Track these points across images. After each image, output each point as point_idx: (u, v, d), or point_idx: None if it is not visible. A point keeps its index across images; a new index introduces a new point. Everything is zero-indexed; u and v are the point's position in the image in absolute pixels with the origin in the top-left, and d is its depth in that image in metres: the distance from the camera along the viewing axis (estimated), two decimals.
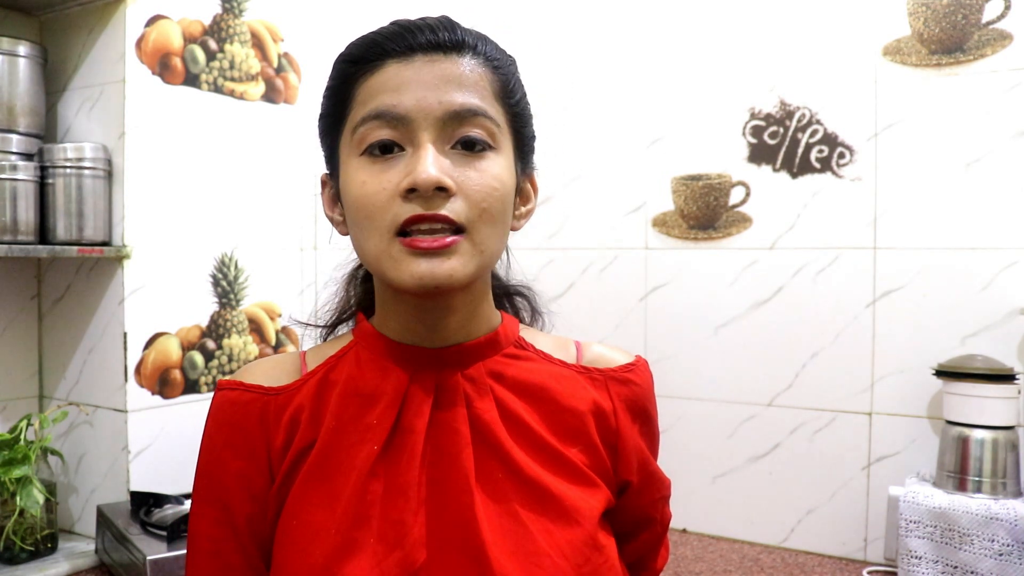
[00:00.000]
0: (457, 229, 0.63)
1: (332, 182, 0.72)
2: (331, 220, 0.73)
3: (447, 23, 0.66)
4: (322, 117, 0.72)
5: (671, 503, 0.83)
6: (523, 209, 0.73)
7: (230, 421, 0.70)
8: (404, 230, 0.63)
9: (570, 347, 0.77)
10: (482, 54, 0.67)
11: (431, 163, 0.62)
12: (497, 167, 0.66)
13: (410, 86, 0.64)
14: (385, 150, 0.64)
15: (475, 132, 0.65)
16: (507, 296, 0.83)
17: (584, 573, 0.66)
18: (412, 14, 0.69)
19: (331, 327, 0.81)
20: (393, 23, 0.67)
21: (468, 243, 0.64)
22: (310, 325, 0.82)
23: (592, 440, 0.72)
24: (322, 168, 0.75)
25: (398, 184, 0.63)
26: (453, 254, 0.63)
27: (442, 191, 0.62)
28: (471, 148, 0.65)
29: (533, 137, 0.74)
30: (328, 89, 0.70)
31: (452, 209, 0.63)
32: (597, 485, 0.71)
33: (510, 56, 0.71)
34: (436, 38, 0.65)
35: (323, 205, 0.74)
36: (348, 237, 0.71)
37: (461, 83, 0.65)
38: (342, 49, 0.69)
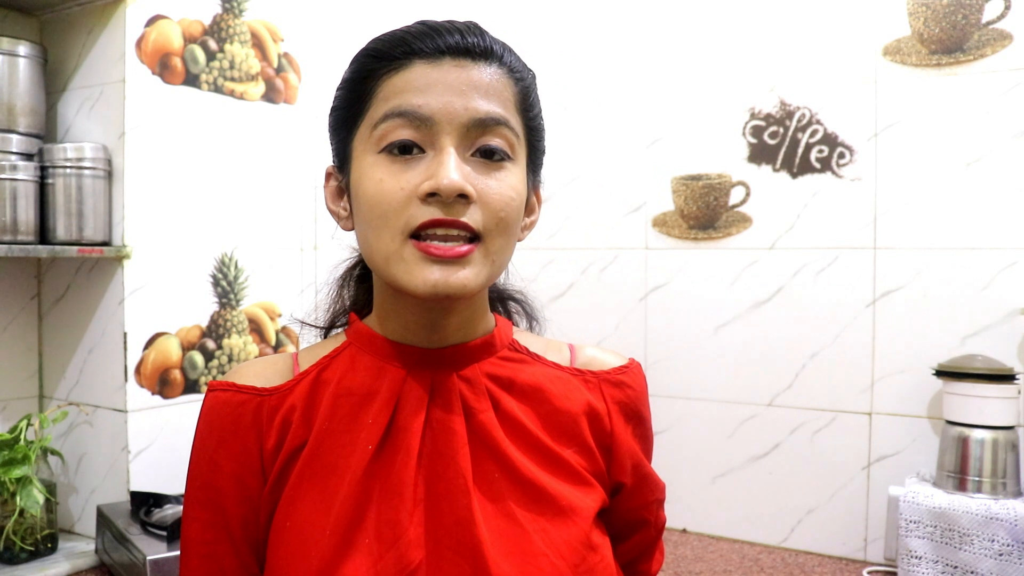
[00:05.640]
0: (472, 237, 0.63)
1: (339, 176, 0.71)
2: (334, 214, 0.72)
3: (476, 28, 0.66)
4: (335, 110, 0.71)
5: (668, 504, 0.83)
6: (527, 221, 0.73)
7: (222, 422, 0.70)
8: (418, 233, 0.62)
9: (563, 350, 0.77)
10: (507, 64, 0.67)
11: (454, 169, 0.62)
12: (513, 178, 0.66)
13: (437, 88, 0.63)
14: (404, 150, 0.64)
15: (496, 141, 0.65)
16: (501, 301, 0.83)
17: (580, 572, 0.66)
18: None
19: (327, 328, 0.81)
20: (420, 22, 0.66)
21: (482, 252, 0.64)
22: (307, 324, 0.81)
23: (586, 441, 0.72)
24: (323, 165, 0.74)
25: (417, 186, 0.62)
26: (467, 264, 0.62)
27: (462, 198, 0.62)
28: (490, 157, 0.65)
29: (544, 152, 0.74)
30: (345, 82, 0.69)
31: (472, 217, 0.62)
32: (592, 485, 0.71)
33: (531, 69, 0.71)
34: (465, 42, 0.64)
35: (326, 198, 0.73)
36: (351, 233, 0.71)
37: (487, 91, 0.65)
38: (365, 43, 0.68)
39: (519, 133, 0.67)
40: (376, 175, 0.64)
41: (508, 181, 0.65)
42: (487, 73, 0.65)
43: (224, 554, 0.69)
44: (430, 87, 0.63)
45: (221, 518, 0.69)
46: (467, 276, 0.62)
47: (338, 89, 0.70)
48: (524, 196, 0.68)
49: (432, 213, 0.62)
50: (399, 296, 0.68)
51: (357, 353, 0.72)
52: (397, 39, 0.65)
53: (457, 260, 0.62)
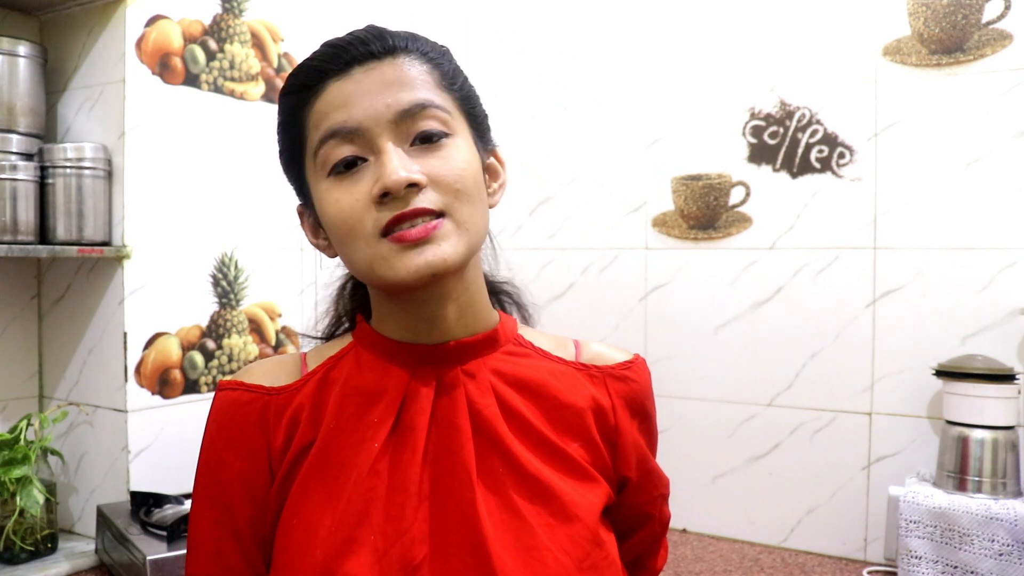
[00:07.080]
0: (438, 214, 0.64)
1: (308, 211, 0.74)
2: (317, 247, 0.75)
3: (375, 31, 0.68)
4: (281, 153, 0.74)
5: (670, 503, 0.83)
6: (495, 184, 0.75)
7: (231, 421, 0.71)
8: (388, 230, 0.64)
9: (569, 345, 0.78)
10: (415, 51, 0.68)
11: (397, 165, 0.63)
12: (458, 151, 0.67)
13: (355, 98, 0.65)
14: (349, 165, 0.66)
15: (429, 124, 0.66)
16: (493, 293, 0.83)
17: (585, 568, 0.66)
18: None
19: (326, 339, 0.82)
20: (324, 44, 0.68)
21: (452, 224, 0.65)
22: (308, 336, 0.83)
23: (591, 436, 0.72)
24: None
25: (370, 192, 0.64)
26: (442, 239, 0.64)
27: (414, 187, 0.64)
28: (429, 140, 0.66)
29: (485, 115, 0.75)
30: (280, 125, 0.72)
31: (428, 199, 0.64)
32: (597, 481, 0.71)
33: (443, 46, 0.73)
34: (368, 48, 0.66)
35: (306, 236, 0.76)
36: (337, 259, 0.72)
37: (402, 82, 0.66)
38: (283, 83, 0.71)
39: (449, 108, 0.68)
40: (332, 197, 0.66)
41: (453, 156, 0.67)
42: (396, 65, 0.67)
43: (231, 552, 0.70)
44: (349, 99, 0.65)
45: (228, 516, 0.70)
46: (445, 251, 0.64)
47: (277, 133, 0.73)
48: (476, 164, 0.69)
49: (392, 211, 0.63)
50: (393, 300, 0.70)
51: (363, 353, 0.72)
52: (307, 68, 0.68)
53: (430, 238, 0.63)
